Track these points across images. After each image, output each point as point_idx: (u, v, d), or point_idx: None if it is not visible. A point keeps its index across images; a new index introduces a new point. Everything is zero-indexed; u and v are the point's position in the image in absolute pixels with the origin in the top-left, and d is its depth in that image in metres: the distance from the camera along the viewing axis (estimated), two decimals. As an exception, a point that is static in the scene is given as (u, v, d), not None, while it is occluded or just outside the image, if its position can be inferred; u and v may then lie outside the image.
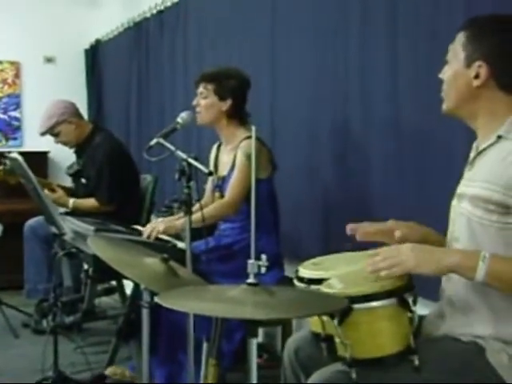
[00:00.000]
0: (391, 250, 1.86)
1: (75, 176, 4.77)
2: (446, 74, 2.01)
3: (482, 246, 1.84)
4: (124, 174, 4.59)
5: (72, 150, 4.88)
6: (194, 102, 3.42)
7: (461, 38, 1.97)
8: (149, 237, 3.21)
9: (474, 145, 2.04)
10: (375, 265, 1.81)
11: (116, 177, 4.51)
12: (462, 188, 2.00)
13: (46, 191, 4.41)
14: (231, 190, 3.30)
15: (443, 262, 1.79)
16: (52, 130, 4.63)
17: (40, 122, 4.67)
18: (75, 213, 4.48)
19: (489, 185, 1.84)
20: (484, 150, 1.93)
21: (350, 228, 2.14)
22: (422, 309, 1.99)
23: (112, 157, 4.55)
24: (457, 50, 1.97)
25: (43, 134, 4.68)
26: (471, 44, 1.93)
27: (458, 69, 1.96)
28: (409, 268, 1.79)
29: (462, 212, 1.96)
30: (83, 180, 4.65)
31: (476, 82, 1.91)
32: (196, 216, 2.88)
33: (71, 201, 4.55)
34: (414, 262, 1.79)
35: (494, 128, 1.91)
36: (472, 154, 2.02)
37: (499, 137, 1.89)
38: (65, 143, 4.76)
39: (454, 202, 2.04)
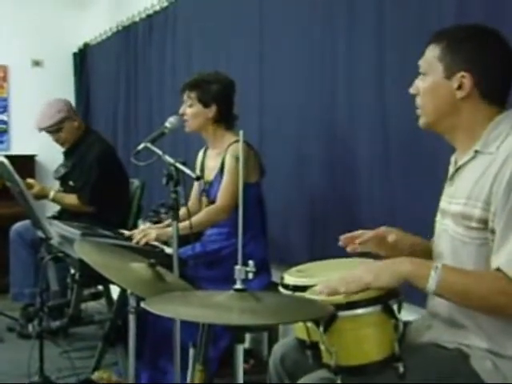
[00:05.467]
0: (340, 276, 1.83)
1: (63, 179, 4.75)
2: (421, 87, 1.98)
3: (465, 263, 1.84)
4: (112, 178, 4.58)
5: (59, 153, 4.87)
6: (181, 111, 3.41)
7: (434, 50, 1.94)
8: (138, 242, 3.21)
9: (453, 159, 2.04)
10: (329, 287, 1.78)
11: (103, 180, 4.50)
12: (444, 204, 2.01)
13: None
14: (222, 194, 3.29)
15: (397, 272, 1.79)
16: (57, 125, 4.62)
17: (42, 117, 4.64)
18: (62, 217, 4.47)
19: (470, 201, 1.84)
20: (463, 165, 1.93)
21: (343, 239, 2.14)
22: (407, 314, 2.00)
23: (102, 159, 4.55)
24: (432, 63, 1.94)
25: (44, 129, 4.65)
26: (449, 55, 1.91)
27: (436, 81, 1.93)
28: (367, 282, 1.78)
29: (445, 229, 1.96)
30: (71, 182, 4.64)
31: (460, 94, 1.89)
32: (184, 224, 2.89)
33: (52, 193, 4.55)
34: (370, 276, 1.78)
35: (472, 142, 1.90)
36: (451, 169, 2.02)
37: (476, 151, 1.88)
38: (63, 141, 4.73)
39: (438, 218, 2.04)
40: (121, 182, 4.69)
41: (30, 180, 4.65)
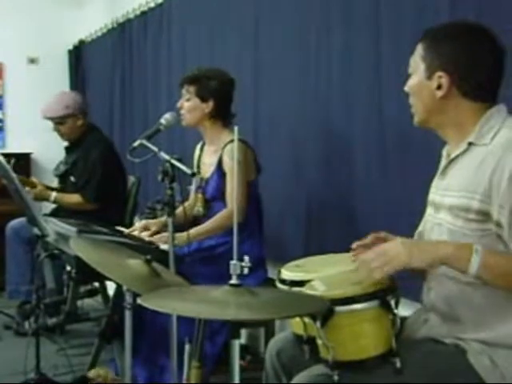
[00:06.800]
0: (379, 248, 1.83)
1: (63, 176, 4.74)
2: (409, 86, 2.01)
3: None
4: (113, 175, 4.59)
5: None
6: (178, 105, 3.42)
7: (419, 49, 1.97)
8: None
9: (444, 152, 2.04)
10: (367, 264, 1.78)
11: (106, 177, 4.52)
12: (436, 197, 2.00)
13: (27, 188, 4.42)
14: (231, 197, 3.27)
15: (436, 254, 1.76)
16: (61, 119, 4.63)
17: (50, 107, 4.65)
18: (58, 214, 4.47)
19: (467, 193, 1.84)
20: (456, 157, 1.93)
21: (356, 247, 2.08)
22: (404, 309, 2.00)
23: (106, 157, 4.57)
24: (417, 62, 1.98)
25: (49, 118, 4.66)
26: (429, 55, 1.94)
27: (420, 81, 1.96)
28: (402, 263, 1.76)
29: (439, 223, 1.96)
30: (72, 178, 4.64)
31: (439, 93, 1.92)
32: (181, 235, 2.98)
33: (53, 194, 4.55)
34: (406, 257, 1.76)
35: (463, 136, 1.91)
36: (443, 162, 2.02)
37: (470, 144, 1.89)
38: (62, 134, 4.75)
39: (430, 211, 2.04)
40: (120, 179, 4.70)
41: (33, 179, 4.65)
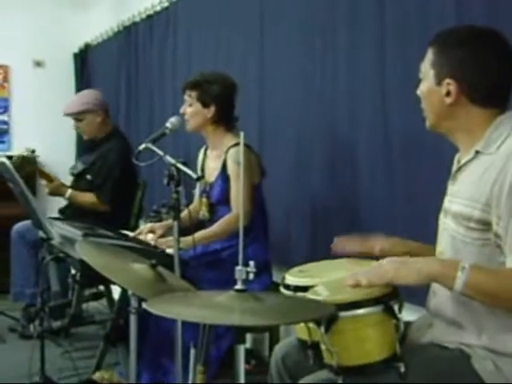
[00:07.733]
0: (372, 266, 1.86)
1: (79, 175, 4.75)
2: (420, 91, 2.01)
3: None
4: (128, 179, 4.60)
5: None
6: (181, 111, 3.42)
7: (429, 54, 1.97)
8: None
9: (456, 158, 2.04)
10: (355, 278, 1.79)
11: (122, 180, 4.54)
12: (446, 203, 2.01)
13: (44, 181, 4.46)
14: (236, 201, 3.28)
15: (423, 271, 1.77)
16: (79, 115, 4.66)
17: (70, 103, 4.71)
18: (66, 212, 4.49)
19: (470, 202, 1.84)
20: (464, 165, 1.93)
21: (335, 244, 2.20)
22: (408, 314, 2.00)
23: (124, 159, 4.57)
24: (427, 68, 1.97)
25: (68, 115, 4.70)
26: (438, 61, 1.93)
27: (430, 87, 1.96)
28: (388, 278, 1.77)
29: (446, 228, 1.97)
30: (89, 176, 4.64)
31: (448, 100, 1.91)
32: (187, 239, 2.99)
33: (68, 191, 4.57)
34: (393, 273, 1.77)
35: (473, 143, 1.91)
36: (454, 168, 2.03)
37: (477, 152, 1.89)
38: (82, 131, 4.79)
39: (441, 216, 2.04)
40: (133, 183, 4.71)
41: (51, 174, 4.67)
